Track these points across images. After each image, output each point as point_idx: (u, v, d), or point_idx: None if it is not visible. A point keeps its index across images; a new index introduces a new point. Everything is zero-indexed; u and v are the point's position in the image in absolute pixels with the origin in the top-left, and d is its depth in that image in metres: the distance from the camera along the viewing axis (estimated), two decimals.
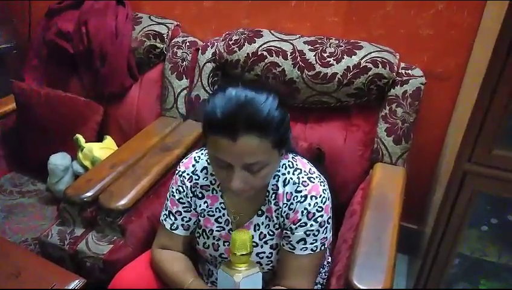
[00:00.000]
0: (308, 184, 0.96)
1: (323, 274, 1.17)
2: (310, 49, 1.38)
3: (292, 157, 1.01)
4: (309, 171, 0.99)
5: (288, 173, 0.98)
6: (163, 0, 1.77)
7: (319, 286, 1.15)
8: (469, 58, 1.44)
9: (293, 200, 0.96)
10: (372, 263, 1.00)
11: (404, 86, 1.35)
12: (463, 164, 1.22)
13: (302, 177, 0.97)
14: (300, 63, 1.37)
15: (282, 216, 0.98)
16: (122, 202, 1.21)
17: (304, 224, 0.95)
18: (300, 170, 0.98)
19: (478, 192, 1.26)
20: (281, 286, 0.99)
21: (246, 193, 0.91)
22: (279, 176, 0.98)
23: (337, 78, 1.34)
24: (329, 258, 1.23)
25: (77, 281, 0.99)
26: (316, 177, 0.98)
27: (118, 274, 1.06)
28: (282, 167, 0.99)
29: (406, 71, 1.36)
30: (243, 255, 0.88)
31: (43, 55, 1.83)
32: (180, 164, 1.08)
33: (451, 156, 1.31)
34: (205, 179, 1.04)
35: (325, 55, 1.36)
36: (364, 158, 1.40)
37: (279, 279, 1.00)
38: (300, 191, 0.95)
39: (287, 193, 0.97)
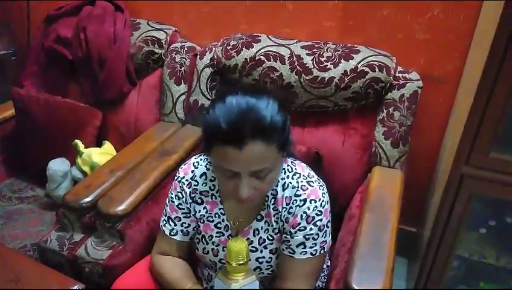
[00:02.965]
0: (307, 188, 0.96)
1: (323, 278, 1.17)
2: (307, 54, 1.39)
3: (291, 162, 1.01)
4: (308, 175, 0.99)
5: (288, 177, 0.98)
6: (162, 3, 1.78)
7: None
8: (465, 61, 1.45)
9: (292, 204, 0.96)
10: (371, 266, 1.00)
11: (401, 89, 1.35)
12: (460, 167, 1.22)
13: (301, 182, 0.97)
14: (297, 67, 1.38)
15: (281, 220, 0.98)
16: (121, 207, 1.21)
17: (303, 228, 0.95)
18: (300, 174, 0.98)
19: (476, 194, 1.26)
20: None
21: (253, 201, 0.92)
22: (279, 181, 0.98)
23: (334, 82, 1.35)
24: (329, 261, 1.23)
25: (76, 286, 0.98)
26: (315, 181, 0.98)
27: (118, 280, 1.06)
28: (282, 172, 0.98)
29: (403, 75, 1.37)
30: (239, 264, 0.87)
31: (42, 61, 1.83)
32: (179, 169, 1.07)
33: (448, 159, 1.32)
34: (204, 184, 1.04)
35: (323, 59, 1.37)
36: (362, 162, 1.40)
37: (279, 283, 1.00)
38: (300, 195, 0.95)
39: (286, 197, 0.97)
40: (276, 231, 1.00)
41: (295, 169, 0.99)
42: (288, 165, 1.00)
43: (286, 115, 0.89)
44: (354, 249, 1.05)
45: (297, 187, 0.96)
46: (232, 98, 0.84)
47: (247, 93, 0.85)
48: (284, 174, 0.98)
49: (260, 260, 1.01)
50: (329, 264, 1.22)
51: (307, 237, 0.95)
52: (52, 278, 1.01)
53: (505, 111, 1.12)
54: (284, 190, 0.97)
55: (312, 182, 0.97)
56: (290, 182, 0.97)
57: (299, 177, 0.97)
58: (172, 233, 1.07)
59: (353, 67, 1.34)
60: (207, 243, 1.05)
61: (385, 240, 1.07)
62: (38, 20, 1.89)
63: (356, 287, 0.94)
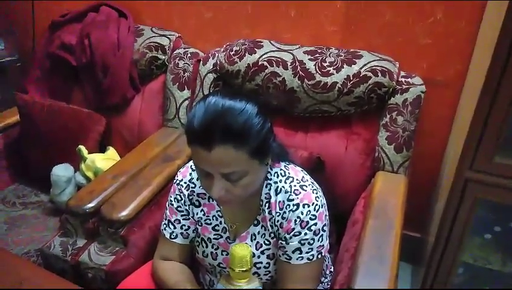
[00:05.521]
0: (300, 192, 0.95)
1: (326, 284, 1.16)
2: (309, 59, 1.39)
3: (284, 166, 1.00)
4: (301, 179, 0.97)
5: (280, 181, 0.97)
6: (164, 9, 1.79)
7: None
8: (469, 66, 1.45)
9: (286, 209, 0.95)
10: (375, 272, 0.99)
11: (404, 94, 1.35)
12: (464, 172, 1.21)
13: (294, 186, 0.96)
14: (300, 72, 1.38)
15: (276, 225, 0.97)
16: (124, 213, 1.21)
17: (297, 233, 0.94)
18: (293, 178, 0.97)
19: (480, 200, 1.25)
20: None
21: (228, 202, 0.92)
22: (271, 185, 0.97)
23: (337, 87, 1.35)
24: (332, 267, 1.22)
25: None
26: (309, 185, 0.97)
27: (120, 285, 1.06)
28: (274, 176, 0.98)
29: (406, 79, 1.37)
30: (243, 271, 0.86)
31: (46, 67, 1.85)
32: (178, 172, 1.08)
33: (452, 164, 1.31)
34: (201, 187, 1.04)
35: (325, 64, 1.37)
36: (365, 167, 1.40)
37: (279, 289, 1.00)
38: (292, 200, 0.94)
39: (279, 201, 0.96)
40: (272, 235, 0.99)
41: (288, 173, 0.98)
42: (281, 169, 0.99)
43: (265, 121, 0.87)
44: (358, 255, 1.04)
45: (290, 192, 0.95)
46: (211, 98, 0.85)
47: (227, 95, 0.85)
48: (277, 178, 0.98)
49: (258, 265, 1.01)
50: (332, 270, 1.21)
51: (302, 242, 0.94)
52: (55, 284, 1.01)
53: (508, 115, 1.11)
54: (277, 194, 0.96)
55: (305, 186, 0.96)
56: (283, 187, 0.96)
57: (292, 181, 0.96)
58: (172, 236, 1.07)
59: (356, 72, 1.34)
60: (206, 246, 1.06)
61: (389, 246, 1.07)
62: (43, 26, 1.90)
63: None
